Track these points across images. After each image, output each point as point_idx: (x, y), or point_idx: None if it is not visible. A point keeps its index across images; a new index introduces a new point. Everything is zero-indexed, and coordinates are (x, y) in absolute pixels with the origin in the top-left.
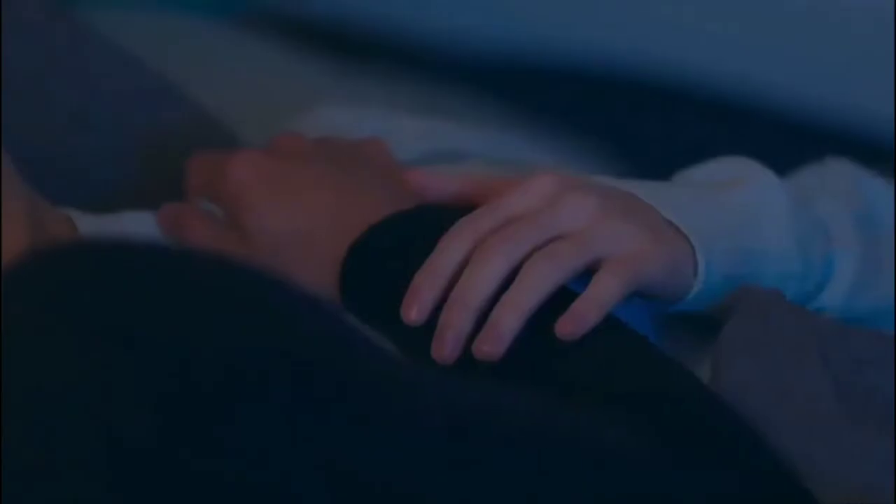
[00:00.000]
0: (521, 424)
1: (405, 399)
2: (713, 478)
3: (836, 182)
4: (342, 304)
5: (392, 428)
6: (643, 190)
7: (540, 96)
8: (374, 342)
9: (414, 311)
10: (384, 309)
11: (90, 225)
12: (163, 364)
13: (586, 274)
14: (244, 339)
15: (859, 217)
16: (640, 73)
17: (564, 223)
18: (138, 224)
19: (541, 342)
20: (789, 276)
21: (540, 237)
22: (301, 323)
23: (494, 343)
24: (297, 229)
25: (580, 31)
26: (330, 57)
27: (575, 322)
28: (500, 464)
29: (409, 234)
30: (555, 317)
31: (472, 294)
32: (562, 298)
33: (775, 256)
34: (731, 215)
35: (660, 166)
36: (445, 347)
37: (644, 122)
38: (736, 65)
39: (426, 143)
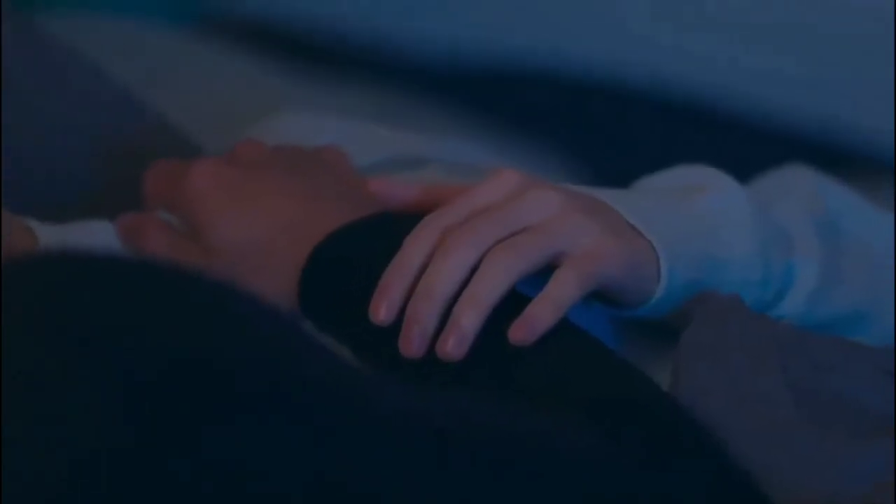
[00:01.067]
0: (480, 430)
1: (363, 406)
2: (671, 483)
3: (798, 188)
4: (301, 312)
5: (350, 435)
6: (605, 195)
7: (503, 103)
8: (331, 351)
9: (383, 309)
10: (342, 317)
11: (49, 234)
12: (119, 376)
13: (544, 280)
14: (198, 348)
15: (821, 224)
16: (603, 80)
17: (527, 217)
18: (97, 233)
19: (500, 345)
20: (750, 283)
21: (503, 230)
22: (258, 331)
23: (457, 342)
24: (255, 238)
25: (544, 37)
26: (290, 63)
27: (528, 327)
28: (459, 470)
29: (367, 241)
30: (513, 319)
31: (437, 287)
32: (521, 301)
33: (737, 264)
34: (693, 222)
35: (624, 174)
36: (412, 342)
37: (608, 130)
38: (706, 72)
39: (386, 149)
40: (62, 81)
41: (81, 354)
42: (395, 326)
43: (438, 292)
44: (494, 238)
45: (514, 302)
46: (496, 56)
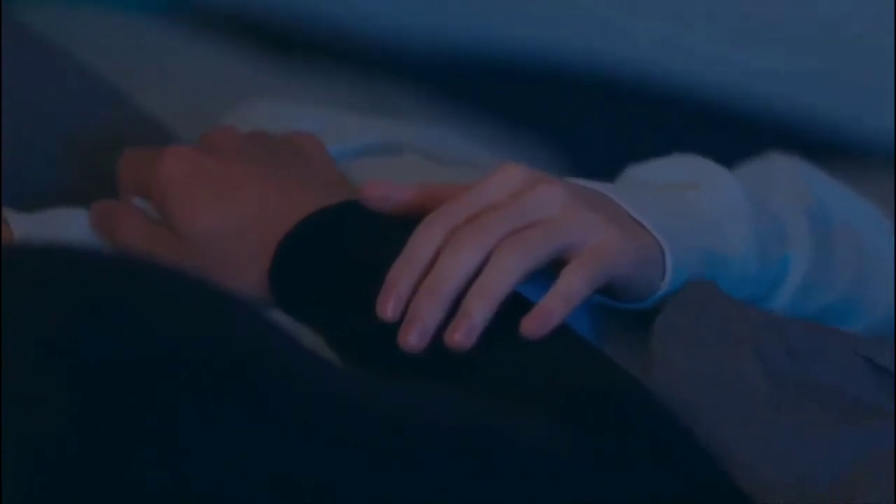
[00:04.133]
0: (455, 427)
1: (334, 400)
2: (644, 477)
3: (784, 178)
4: (273, 299)
5: (322, 429)
6: (607, 189)
7: (490, 94)
8: (300, 343)
9: (390, 307)
10: (314, 304)
11: (22, 223)
12: (84, 370)
13: (546, 279)
14: (167, 341)
15: (811, 214)
16: (592, 73)
17: (534, 212)
18: (70, 222)
19: (477, 342)
20: (747, 277)
21: (510, 226)
22: (226, 325)
23: (465, 332)
24: (227, 225)
25: (532, 28)
26: (267, 52)
27: (540, 320)
28: (433, 466)
29: (337, 229)
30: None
31: (443, 284)
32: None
33: (736, 259)
34: (693, 216)
35: (614, 167)
36: (413, 337)
37: (598, 122)
38: (701, 67)
39: (361, 137)
40: (37, 70)
41: (46, 350)
42: (365, 320)
43: (444, 290)
44: (501, 235)
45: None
46: (482, 47)
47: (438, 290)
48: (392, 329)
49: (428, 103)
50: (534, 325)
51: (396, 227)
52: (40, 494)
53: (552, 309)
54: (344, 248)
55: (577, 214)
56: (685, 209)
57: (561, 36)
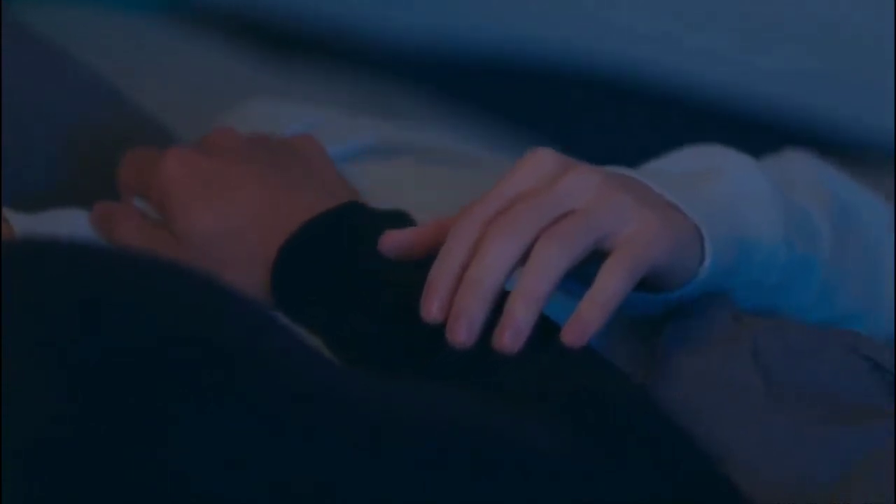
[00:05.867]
0: (454, 426)
1: (334, 398)
2: (643, 478)
3: (801, 175)
4: (273, 302)
5: (320, 428)
6: (637, 174)
7: (483, 93)
8: (301, 340)
9: (434, 308)
10: (315, 307)
11: (23, 223)
12: (82, 365)
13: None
14: (170, 336)
15: (832, 211)
16: (588, 71)
17: (569, 201)
18: (71, 223)
19: (476, 344)
20: (775, 264)
21: (546, 216)
22: (229, 321)
23: (513, 336)
24: (228, 227)
25: (526, 28)
26: (265, 52)
27: (579, 331)
28: (432, 465)
29: (339, 231)
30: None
31: (485, 277)
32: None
33: (765, 244)
34: (721, 201)
35: (604, 165)
36: (462, 333)
37: (590, 120)
38: (692, 64)
39: (358, 138)
40: (37, 70)
41: (44, 345)
42: (372, 321)
43: (485, 285)
44: (537, 226)
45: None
46: (482, 47)
47: (480, 284)
48: (392, 332)
49: (428, 103)
50: (572, 335)
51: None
52: (40, 491)
53: (590, 317)
54: (346, 252)
55: (612, 201)
56: (712, 194)
57: (561, 36)
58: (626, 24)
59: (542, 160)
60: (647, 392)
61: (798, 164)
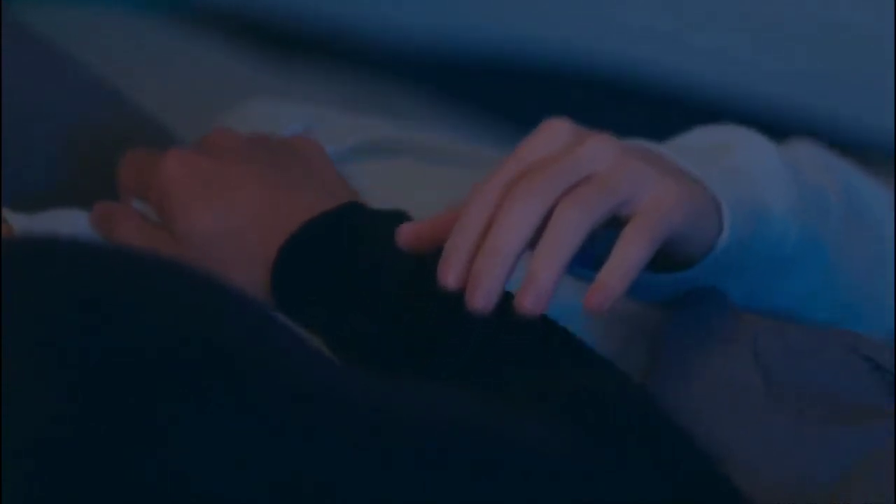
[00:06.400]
0: (454, 426)
1: (334, 396)
2: (643, 478)
3: (809, 161)
4: (273, 303)
5: (322, 429)
6: (653, 146)
7: (483, 93)
8: (302, 338)
9: (451, 275)
10: (316, 308)
11: (23, 223)
12: (81, 364)
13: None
14: (171, 335)
15: (840, 198)
16: (588, 71)
17: (587, 166)
18: (71, 223)
19: (473, 340)
20: (787, 240)
21: (565, 181)
22: (230, 320)
23: (536, 298)
24: (228, 228)
25: (526, 28)
26: (265, 52)
27: (601, 296)
28: (432, 465)
29: (340, 232)
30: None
31: (504, 244)
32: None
33: (777, 217)
34: (734, 173)
35: None
36: (481, 299)
37: (590, 120)
38: (692, 64)
39: (356, 137)
40: (36, 70)
41: (44, 344)
42: (373, 321)
43: (506, 249)
44: (557, 190)
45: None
46: (482, 47)
47: (499, 250)
48: (392, 332)
49: (428, 103)
50: (595, 302)
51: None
52: (40, 491)
53: (612, 284)
54: (346, 252)
55: (631, 167)
56: (728, 166)
57: (561, 35)
58: (627, 23)
59: (559, 129)
60: (646, 392)
61: (805, 150)
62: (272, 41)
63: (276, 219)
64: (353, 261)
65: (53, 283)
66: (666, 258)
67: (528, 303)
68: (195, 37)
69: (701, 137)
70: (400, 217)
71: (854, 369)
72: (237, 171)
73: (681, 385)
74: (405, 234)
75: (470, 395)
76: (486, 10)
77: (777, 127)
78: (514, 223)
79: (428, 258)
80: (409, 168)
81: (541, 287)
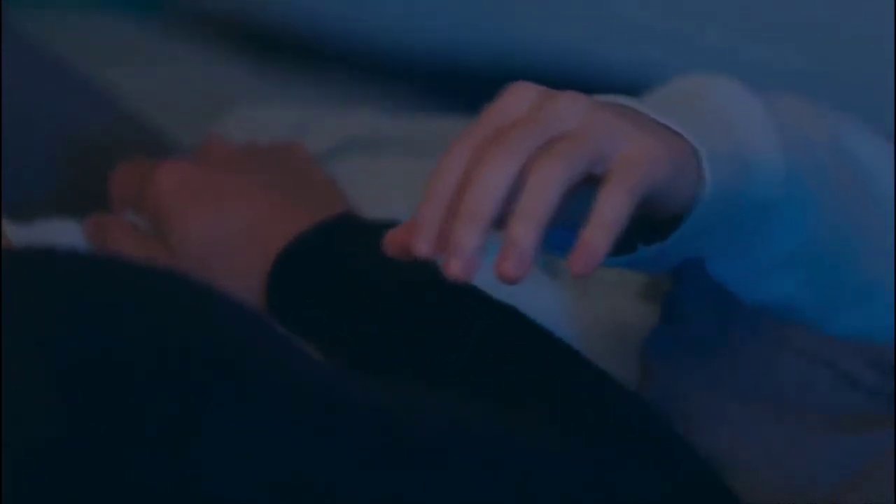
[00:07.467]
0: (450, 429)
1: (336, 402)
2: (639, 482)
3: (799, 110)
4: (268, 313)
5: (324, 433)
6: (625, 100)
7: (483, 93)
8: (303, 348)
9: (423, 242)
10: (311, 317)
11: (18, 233)
12: (84, 371)
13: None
14: (170, 341)
15: (830, 147)
16: (588, 71)
17: (560, 124)
18: (63, 234)
19: (467, 345)
20: (775, 180)
21: (537, 138)
22: (227, 327)
23: (516, 261)
24: (221, 238)
25: (526, 28)
26: (261, 57)
27: (586, 257)
28: (431, 465)
29: (336, 242)
30: (481, 319)
31: (480, 206)
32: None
33: (761, 158)
34: (712, 118)
35: None
36: (458, 267)
37: None
38: (692, 64)
39: (341, 132)
40: (33, 75)
41: (44, 352)
42: (369, 331)
43: (482, 211)
44: (530, 148)
45: (473, 298)
46: (482, 48)
47: (474, 213)
48: (389, 343)
49: (426, 106)
50: (580, 263)
51: None
52: (39, 496)
53: (595, 242)
54: (340, 264)
55: (605, 123)
56: (704, 111)
57: (561, 36)
58: (628, 24)
59: (526, 89)
60: (642, 399)
61: (789, 98)
62: (268, 46)
63: (269, 229)
64: (347, 272)
65: (53, 294)
66: (653, 221)
67: (510, 267)
68: (191, 42)
69: (677, 87)
70: (392, 226)
71: (855, 377)
72: (230, 182)
73: (676, 394)
74: (390, 243)
75: (467, 400)
76: (485, 12)
77: None
78: (488, 185)
79: (421, 268)
80: (398, 161)
81: (522, 249)
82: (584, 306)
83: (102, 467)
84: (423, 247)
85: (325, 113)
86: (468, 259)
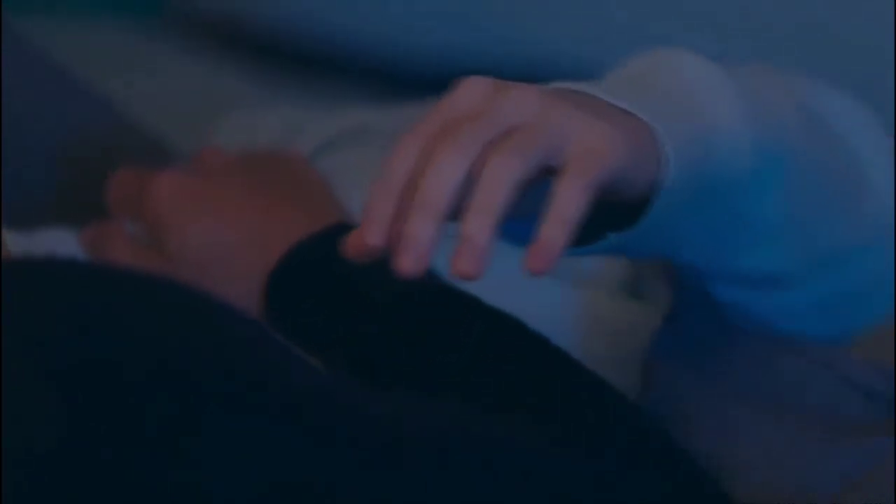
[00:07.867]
0: (448, 431)
1: (335, 403)
2: (635, 484)
3: (772, 74)
4: (266, 321)
5: (322, 433)
6: (579, 86)
7: None
8: (301, 356)
9: (373, 233)
10: (308, 326)
11: (16, 242)
12: (87, 378)
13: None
14: (169, 348)
15: (801, 109)
16: (587, 70)
17: (513, 116)
18: (63, 243)
19: (466, 353)
20: (741, 150)
21: (490, 131)
22: (225, 334)
23: (472, 259)
24: (218, 247)
25: (526, 28)
26: (260, 63)
27: (543, 254)
28: (428, 469)
29: (333, 251)
30: (474, 324)
31: (433, 198)
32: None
33: (725, 130)
34: (668, 96)
35: None
36: (409, 261)
37: None
38: None
39: (329, 128)
40: (31, 81)
41: (41, 361)
42: (366, 340)
43: (436, 203)
44: (484, 140)
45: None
46: (483, 50)
47: (428, 205)
48: (386, 351)
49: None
50: (537, 260)
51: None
52: (39, 497)
53: (552, 239)
54: (337, 273)
55: (558, 113)
56: (658, 90)
57: (561, 36)
58: (627, 25)
59: (478, 83)
60: (638, 407)
61: (756, 67)
62: (265, 51)
63: (266, 237)
64: (344, 280)
65: (53, 302)
66: (620, 205)
67: (465, 265)
68: (189, 47)
69: (633, 67)
70: None
71: (854, 385)
72: (227, 191)
73: (677, 397)
74: (350, 247)
75: (465, 405)
76: (486, 13)
77: None
78: (441, 176)
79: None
80: (387, 153)
81: (476, 246)
82: (581, 304)
83: (102, 470)
84: (373, 238)
85: (320, 114)
86: (421, 252)
